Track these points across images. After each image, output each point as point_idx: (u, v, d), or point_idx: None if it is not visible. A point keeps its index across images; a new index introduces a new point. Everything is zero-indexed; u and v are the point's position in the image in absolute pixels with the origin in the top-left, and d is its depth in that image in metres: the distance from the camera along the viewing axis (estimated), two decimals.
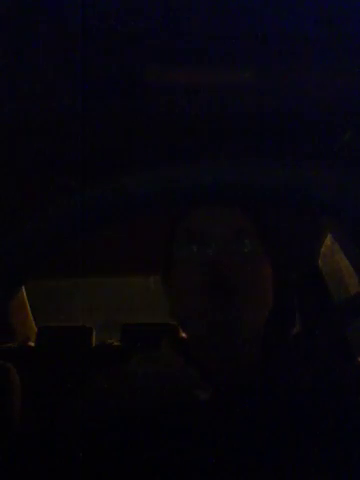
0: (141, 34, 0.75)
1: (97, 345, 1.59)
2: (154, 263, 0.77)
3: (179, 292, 0.70)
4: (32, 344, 1.65)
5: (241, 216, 0.69)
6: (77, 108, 0.73)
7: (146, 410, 0.65)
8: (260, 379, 0.66)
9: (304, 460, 0.62)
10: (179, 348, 0.71)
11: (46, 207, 0.59)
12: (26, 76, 0.75)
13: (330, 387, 0.66)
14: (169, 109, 0.78)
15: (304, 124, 0.73)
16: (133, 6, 0.75)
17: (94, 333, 1.54)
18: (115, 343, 1.59)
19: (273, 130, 0.73)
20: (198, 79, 0.78)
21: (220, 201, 0.67)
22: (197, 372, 0.67)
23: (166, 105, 0.78)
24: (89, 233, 0.60)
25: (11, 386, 0.96)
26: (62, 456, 0.67)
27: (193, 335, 0.70)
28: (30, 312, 1.71)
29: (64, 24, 0.73)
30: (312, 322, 0.87)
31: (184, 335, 0.72)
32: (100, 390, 0.69)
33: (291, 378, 0.66)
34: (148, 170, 0.58)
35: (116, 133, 0.78)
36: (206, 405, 0.65)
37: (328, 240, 0.99)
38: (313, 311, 0.90)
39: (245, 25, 0.75)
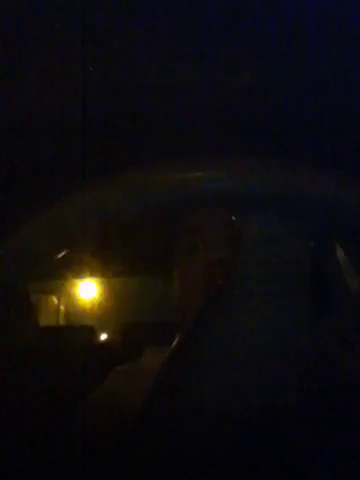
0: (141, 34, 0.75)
1: (100, 344, 1.58)
2: (157, 263, 0.77)
3: (181, 292, 0.70)
4: (35, 343, 1.65)
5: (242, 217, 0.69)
6: (77, 108, 0.73)
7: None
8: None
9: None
10: None
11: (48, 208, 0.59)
12: (26, 76, 0.75)
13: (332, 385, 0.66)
14: (170, 109, 0.78)
15: (304, 125, 0.73)
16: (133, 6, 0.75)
17: (96, 332, 1.54)
18: (118, 342, 1.59)
19: (274, 132, 0.73)
20: (198, 79, 0.78)
21: (222, 203, 0.67)
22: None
23: (167, 105, 0.78)
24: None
25: None
26: (67, 458, 0.67)
27: None
28: (33, 311, 1.70)
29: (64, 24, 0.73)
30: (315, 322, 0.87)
31: None
32: (110, 389, 0.70)
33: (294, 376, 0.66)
34: (151, 172, 0.58)
35: (116, 133, 0.78)
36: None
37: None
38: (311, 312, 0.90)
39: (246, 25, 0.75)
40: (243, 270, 0.66)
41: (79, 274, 0.90)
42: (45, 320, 1.05)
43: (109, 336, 1.09)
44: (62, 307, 1.08)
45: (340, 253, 0.87)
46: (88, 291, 1.00)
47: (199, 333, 0.66)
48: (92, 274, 0.93)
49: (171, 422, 0.64)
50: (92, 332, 1.58)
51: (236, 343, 0.65)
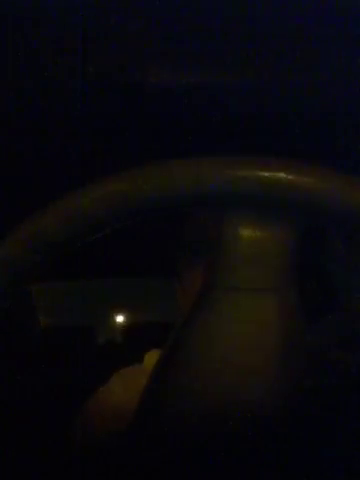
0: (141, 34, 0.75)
1: (102, 345, 1.58)
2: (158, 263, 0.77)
3: (183, 292, 0.70)
4: (37, 344, 1.64)
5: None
6: (77, 108, 0.74)
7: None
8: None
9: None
10: None
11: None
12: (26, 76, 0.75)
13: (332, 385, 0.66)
14: (170, 109, 0.78)
15: (304, 124, 0.73)
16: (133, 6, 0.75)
17: (97, 332, 1.54)
18: (120, 342, 1.59)
19: (273, 131, 0.73)
20: (199, 79, 0.78)
21: (221, 203, 0.67)
22: None
23: (167, 105, 0.78)
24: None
25: None
26: (66, 459, 0.67)
27: None
28: (35, 312, 1.69)
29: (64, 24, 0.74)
30: (315, 322, 0.87)
31: None
32: (111, 390, 0.70)
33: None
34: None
35: (116, 134, 0.78)
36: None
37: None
38: (316, 311, 0.90)
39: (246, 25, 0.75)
40: (228, 268, 0.65)
41: (79, 274, 0.90)
42: (46, 320, 1.06)
43: (110, 337, 1.10)
44: (63, 307, 1.08)
45: (341, 251, 0.87)
46: (89, 291, 1.00)
47: (186, 332, 0.65)
48: (92, 274, 0.93)
49: (161, 425, 0.64)
50: (93, 332, 1.58)
51: (222, 341, 0.65)
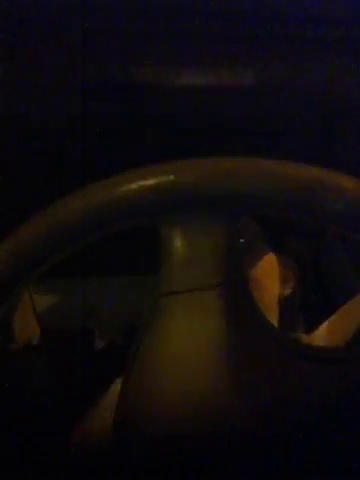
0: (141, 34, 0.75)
1: (102, 345, 1.58)
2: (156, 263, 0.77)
3: None
4: (35, 345, 1.64)
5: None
6: (77, 108, 0.74)
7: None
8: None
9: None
10: None
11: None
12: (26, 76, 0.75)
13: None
14: (170, 109, 0.79)
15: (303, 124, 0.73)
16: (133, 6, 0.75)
17: (96, 334, 1.53)
18: (119, 344, 1.58)
19: (273, 131, 0.73)
20: (198, 79, 0.78)
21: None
22: None
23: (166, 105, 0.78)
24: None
25: None
26: (66, 461, 0.67)
27: None
28: (34, 313, 1.69)
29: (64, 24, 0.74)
30: (314, 321, 0.87)
31: None
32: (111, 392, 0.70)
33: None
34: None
35: (116, 134, 0.78)
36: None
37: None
38: (315, 310, 0.90)
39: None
40: (167, 273, 0.64)
41: (79, 274, 0.90)
42: (46, 321, 1.06)
43: (110, 337, 1.10)
44: (63, 307, 1.08)
45: (340, 252, 0.87)
46: (89, 291, 1.00)
47: (144, 337, 0.65)
48: (93, 274, 0.93)
49: (135, 425, 0.63)
50: (93, 333, 1.58)
51: (172, 345, 0.64)
